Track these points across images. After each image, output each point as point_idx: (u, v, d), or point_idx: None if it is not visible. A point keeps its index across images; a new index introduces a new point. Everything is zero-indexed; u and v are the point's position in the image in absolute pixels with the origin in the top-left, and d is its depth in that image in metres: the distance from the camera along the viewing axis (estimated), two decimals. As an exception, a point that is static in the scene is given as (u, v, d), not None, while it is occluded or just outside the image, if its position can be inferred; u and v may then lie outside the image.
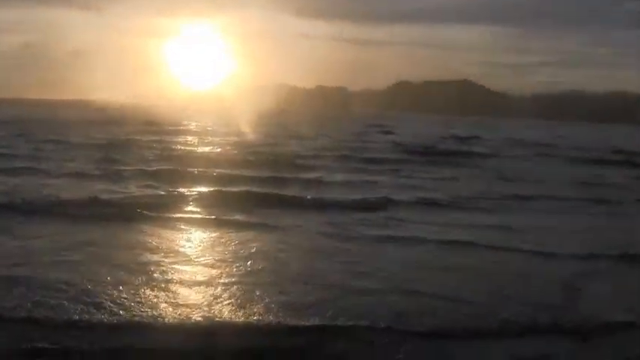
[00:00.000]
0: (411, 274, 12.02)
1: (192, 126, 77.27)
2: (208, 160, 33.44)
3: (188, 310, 9.40)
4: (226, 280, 11.06)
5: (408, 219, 18.10)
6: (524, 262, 13.39)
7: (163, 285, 10.59)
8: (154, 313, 9.20)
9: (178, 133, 60.10)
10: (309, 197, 21.11)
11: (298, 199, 20.78)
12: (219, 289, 10.53)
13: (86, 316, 8.87)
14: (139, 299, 9.74)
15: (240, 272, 11.64)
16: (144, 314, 9.12)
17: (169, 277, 11.10)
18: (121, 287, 10.27)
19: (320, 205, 19.68)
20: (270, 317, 9.19)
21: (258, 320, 9.08)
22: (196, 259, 12.57)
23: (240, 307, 9.63)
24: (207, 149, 41.90)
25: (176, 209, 18.10)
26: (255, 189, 22.58)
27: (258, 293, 10.27)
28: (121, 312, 9.13)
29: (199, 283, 10.82)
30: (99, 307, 9.27)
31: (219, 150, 41.21)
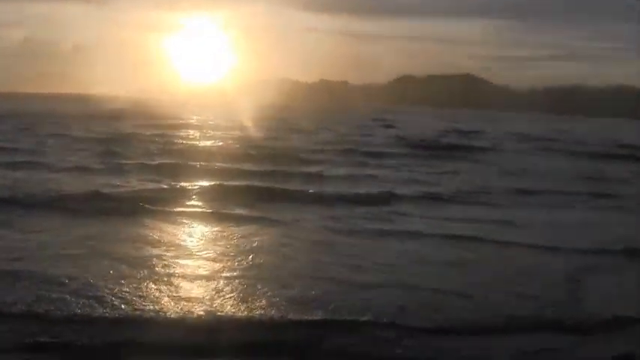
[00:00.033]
0: (413, 268, 11.98)
1: (194, 120, 77.20)
2: (210, 154, 33.40)
3: (190, 304, 9.37)
4: (228, 274, 11.03)
5: (411, 213, 18.06)
6: (528, 257, 13.33)
7: (165, 279, 10.55)
8: (156, 307, 9.16)
9: (180, 127, 60.05)
10: (311, 191, 21.05)
11: (300, 193, 20.73)
12: (221, 283, 10.50)
13: (87, 310, 8.84)
14: (140, 293, 9.71)
15: (242, 266, 11.60)
16: (145, 308, 9.08)
17: (171, 271, 11.06)
18: (122, 281, 10.24)
19: (322, 199, 19.64)
20: (273, 311, 9.15)
21: (261, 314, 9.05)
22: (198, 253, 12.53)
23: (242, 301, 9.59)
24: (209, 143, 41.83)
25: (178, 203, 18.07)
26: (257, 183, 22.55)
27: (260, 287, 10.24)
28: (122, 306, 9.09)
29: (201, 277, 10.79)
30: (100, 301, 9.24)
31: (221, 144, 41.14)
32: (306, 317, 8.96)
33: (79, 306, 8.97)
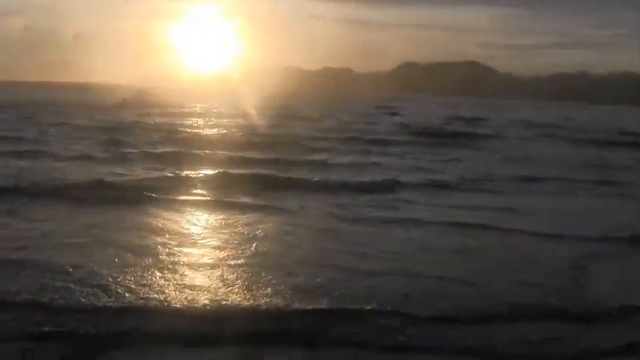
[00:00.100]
0: (418, 256, 11.97)
1: (198, 108, 77.18)
2: (214, 143, 33.40)
3: (194, 292, 9.36)
4: (233, 262, 11.02)
5: (415, 201, 18.04)
6: (532, 245, 13.30)
7: (170, 267, 10.55)
8: (161, 296, 9.16)
9: (184, 115, 60.10)
10: (315, 179, 21.03)
11: (305, 181, 20.70)
12: (225, 271, 10.49)
13: (92, 299, 8.84)
14: (145, 282, 9.70)
15: (246, 254, 11.59)
16: (150, 297, 9.08)
17: (175, 260, 11.05)
18: (127, 270, 10.23)
19: (327, 187, 19.62)
20: (278, 300, 9.14)
21: (265, 303, 9.03)
22: (203, 242, 12.53)
23: (247, 289, 9.58)
24: (212, 131, 41.83)
25: (182, 191, 18.05)
26: (261, 171, 22.54)
27: (265, 275, 10.23)
28: (127, 295, 9.09)
29: (206, 266, 10.78)
30: (105, 290, 9.24)
31: (224, 132, 41.13)
32: (311, 306, 8.95)
33: (84, 295, 8.97)
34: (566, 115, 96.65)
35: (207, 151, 28.73)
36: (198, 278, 10.11)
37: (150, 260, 10.90)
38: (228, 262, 11.04)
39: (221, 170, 21.96)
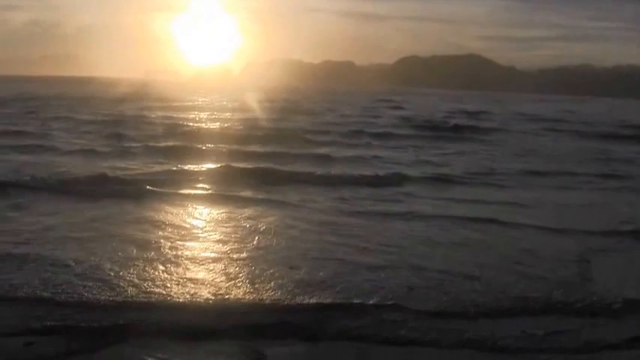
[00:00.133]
0: (421, 250, 11.94)
1: (200, 102, 77.18)
2: (216, 137, 33.39)
3: (197, 286, 9.35)
4: (235, 256, 11.00)
5: (419, 194, 18.02)
6: (536, 238, 13.25)
7: (172, 261, 10.53)
8: (163, 289, 9.14)
9: (186, 109, 60.09)
10: (318, 173, 21.00)
11: (308, 174, 20.67)
12: (228, 265, 10.47)
13: (94, 293, 8.83)
14: (147, 276, 9.69)
15: (249, 248, 11.57)
16: (152, 291, 9.06)
17: (178, 254, 11.04)
18: (129, 264, 10.22)
19: (330, 181, 19.59)
20: (280, 294, 9.12)
21: (267, 297, 9.01)
22: (205, 236, 12.52)
23: (249, 283, 9.57)
24: (215, 125, 41.83)
25: (185, 186, 18.03)
26: (264, 165, 22.51)
27: (267, 269, 10.21)
28: (129, 289, 9.08)
29: (208, 260, 10.76)
30: (107, 283, 9.23)
31: (227, 126, 41.12)
32: (313, 300, 8.94)
33: (86, 289, 8.96)
34: (570, 108, 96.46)
35: (210, 145, 28.72)
36: (200, 272, 10.09)
37: (152, 254, 10.89)
38: (231, 256, 11.03)
39: (223, 164, 21.96)
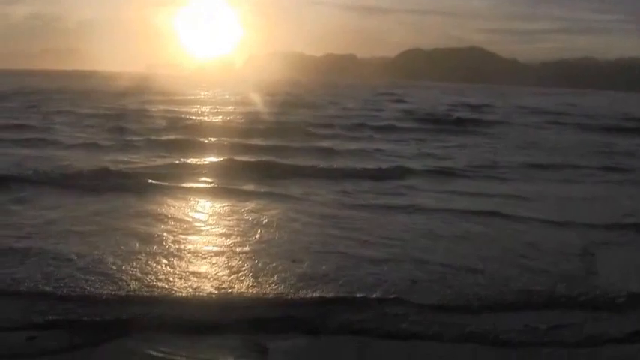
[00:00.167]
0: (424, 243, 11.92)
1: (202, 95, 77.14)
2: (219, 130, 33.40)
3: (199, 280, 9.34)
4: (238, 250, 11.00)
5: (421, 188, 18.01)
6: (539, 232, 13.22)
7: (174, 255, 10.52)
8: (166, 283, 9.14)
9: (188, 102, 60.06)
10: (321, 166, 20.99)
11: (310, 168, 20.66)
12: (230, 258, 10.47)
13: (97, 287, 8.82)
14: (150, 270, 9.68)
15: (251, 241, 11.57)
16: (155, 285, 9.06)
17: (180, 248, 11.03)
18: (132, 258, 10.21)
19: (332, 174, 19.58)
20: (282, 287, 9.11)
21: (270, 290, 9.01)
22: (207, 229, 12.51)
23: (252, 276, 9.56)
24: (217, 119, 41.80)
25: (187, 179, 18.03)
26: (266, 158, 22.49)
27: (269, 263, 10.20)
28: (132, 282, 9.07)
29: (211, 253, 10.75)
30: (110, 277, 9.22)
31: (229, 119, 41.09)
32: (315, 293, 8.93)
33: (89, 283, 8.95)
34: (572, 101, 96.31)
35: (212, 139, 28.71)
36: (203, 265, 10.09)
37: (155, 248, 10.89)
38: (233, 249, 11.02)
39: (226, 157, 21.95)
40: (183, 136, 29.75)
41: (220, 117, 43.07)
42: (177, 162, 21.07)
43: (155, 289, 8.90)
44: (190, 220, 13.31)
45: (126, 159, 21.66)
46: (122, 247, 10.85)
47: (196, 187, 16.97)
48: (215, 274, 9.69)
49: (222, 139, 28.78)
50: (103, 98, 58.66)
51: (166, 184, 16.97)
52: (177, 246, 11.12)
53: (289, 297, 8.81)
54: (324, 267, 10.10)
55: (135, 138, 28.06)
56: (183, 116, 42.14)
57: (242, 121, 39.74)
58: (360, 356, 7.41)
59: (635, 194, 18.64)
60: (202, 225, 12.88)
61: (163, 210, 14.03)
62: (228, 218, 13.56)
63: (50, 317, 7.80)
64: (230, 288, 9.09)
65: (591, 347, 7.71)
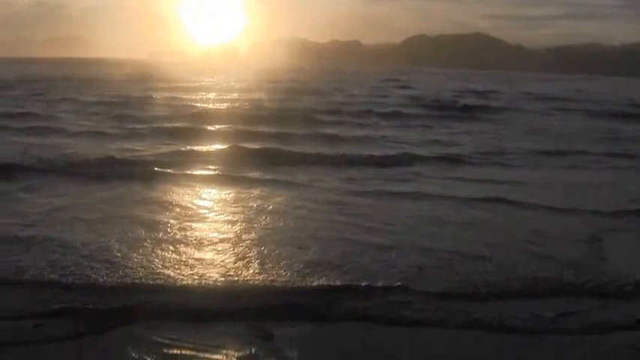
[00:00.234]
0: (430, 230, 11.89)
1: (207, 82, 77.03)
2: (224, 117, 33.33)
3: (205, 268, 9.32)
4: (243, 237, 10.98)
5: (428, 174, 17.97)
6: (546, 218, 13.17)
7: (180, 243, 10.51)
8: (171, 271, 9.12)
9: (193, 89, 60.01)
10: (327, 153, 20.95)
11: (316, 155, 20.62)
12: (236, 246, 10.45)
13: (102, 275, 8.81)
14: (155, 257, 9.67)
15: (257, 229, 11.55)
16: (160, 273, 9.04)
17: (186, 235, 11.02)
18: (137, 245, 10.20)
19: (338, 161, 19.54)
20: (288, 275, 9.09)
21: (276, 278, 8.99)
22: (213, 217, 12.49)
23: (258, 264, 9.55)
24: (222, 106, 41.74)
25: (193, 166, 18.01)
26: (272, 145, 22.47)
27: (275, 250, 10.19)
28: (137, 270, 9.06)
29: (216, 241, 10.73)
30: (115, 265, 9.21)
31: (234, 106, 41.02)
32: (322, 281, 8.90)
33: (94, 271, 8.94)
34: (578, 87, 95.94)
35: (217, 126, 28.69)
36: (208, 253, 10.08)
37: (160, 235, 10.88)
38: (239, 237, 11.01)
39: (231, 145, 21.92)
40: (188, 123, 29.71)
41: (225, 104, 43.00)
42: (182, 149, 21.05)
43: (161, 277, 8.89)
44: (196, 207, 13.30)
45: (131, 147, 21.64)
46: (128, 234, 10.84)
47: (202, 175, 16.95)
48: (221, 261, 9.68)
49: (228, 126, 28.74)
50: (107, 86, 58.61)
51: (172, 171, 16.96)
52: (182, 233, 11.11)
53: (295, 285, 8.79)
54: (330, 254, 10.09)
55: (140, 126, 28.03)
56: (188, 103, 42.09)
57: (247, 108, 39.68)
58: (365, 343, 7.40)
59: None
60: (208, 212, 12.86)
61: (169, 197, 14.02)
62: (234, 205, 13.54)
63: (55, 306, 7.79)
64: (236, 275, 9.08)
65: (597, 335, 7.68)
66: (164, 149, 21.19)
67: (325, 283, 8.84)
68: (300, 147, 22.49)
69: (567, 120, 38.90)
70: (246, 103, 42.90)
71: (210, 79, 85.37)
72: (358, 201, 14.22)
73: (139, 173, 16.56)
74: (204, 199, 14.18)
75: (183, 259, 9.67)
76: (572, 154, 23.20)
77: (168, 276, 8.94)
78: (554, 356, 7.24)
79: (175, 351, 6.99)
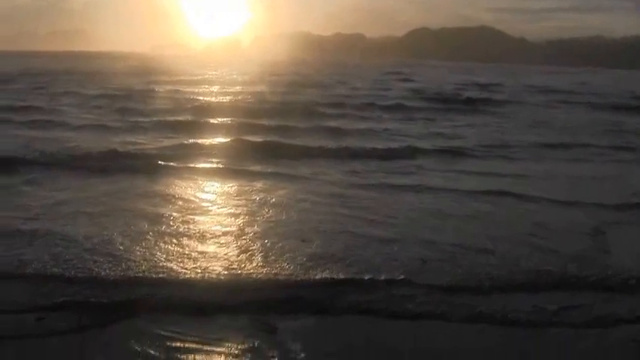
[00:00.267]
0: (433, 223, 11.87)
1: (210, 75, 76.99)
2: (227, 110, 33.30)
3: (208, 261, 9.31)
4: (246, 230, 10.97)
5: (431, 167, 17.95)
6: (549, 211, 13.14)
7: (183, 236, 10.50)
8: (174, 264, 9.11)
9: (195, 83, 59.98)
10: (329, 146, 20.93)
11: (319, 148, 20.60)
12: (239, 239, 10.44)
13: (105, 268, 8.80)
14: (158, 251, 9.67)
15: (260, 222, 11.53)
16: (163, 266, 9.04)
17: (189, 229, 11.01)
18: (140, 239, 10.19)
19: (341, 154, 19.52)
20: (292, 268, 9.08)
21: (279, 271, 8.98)
22: (216, 210, 12.48)
23: (261, 257, 9.54)
24: (225, 99, 41.71)
25: (196, 160, 18.01)
26: (275, 138, 22.46)
27: (278, 243, 10.18)
28: (140, 264, 9.05)
29: (219, 234, 10.72)
30: (118, 258, 9.20)
31: (237, 99, 40.99)
32: (325, 275, 8.89)
33: (97, 264, 8.94)
34: (582, 80, 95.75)
35: (220, 119, 28.67)
36: (211, 246, 10.07)
37: (163, 228, 10.87)
38: (242, 230, 11.00)
39: (234, 138, 21.90)
40: (190, 116, 29.72)
41: (228, 97, 42.96)
42: (185, 142, 21.04)
43: (164, 270, 8.88)
44: (199, 200, 13.29)
45: (134, 140, 21.63)
46: (130, 228, 10.83)
47: (205, 168, 16.95)
48: (224, 254, 9.67)
49: (231, 119, 28.72)
50: (109, 79, 58.61)
51: (175, 164, 16.95)
52: (185, 226, 11.10)
53: (298, 278, 8.78)
54: (333, 247, 10.08)
55: (142, 119, 28.02)
56: (190, 97, 42.07)
57: (250, 101, 39.65)
58: (368, 336, 7.39)
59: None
60: (211, 205, 12.85)
61: (172, 191, 14.02)
62: (237, 198, 13.53)
63: (58, 299, 7.78)
64: (239, 269, 9.07)
65: (601, 328, 7.66)
66: (167, 142, 21.18)
67: (328, 276, 8.82)
68: (302, 140, 22.47)
69: (571, 113, 38.81)
70: (249, 96, 42.87)
71: (213, 72, 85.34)
72: (361, 194, 14.20)
73: (142, 166, 16.55)
74: (207, 192, 14.17)
75: (186, 253, 9.66)
76: (576, 146, 23.14)
77: (171, 269, 8.93)
78: (557, 349, 7.22)
79: (178, 344, 6.99)
